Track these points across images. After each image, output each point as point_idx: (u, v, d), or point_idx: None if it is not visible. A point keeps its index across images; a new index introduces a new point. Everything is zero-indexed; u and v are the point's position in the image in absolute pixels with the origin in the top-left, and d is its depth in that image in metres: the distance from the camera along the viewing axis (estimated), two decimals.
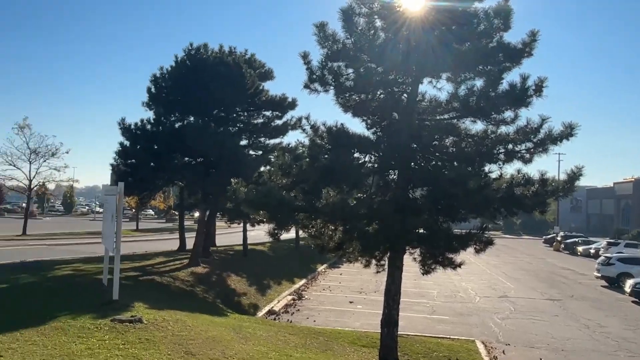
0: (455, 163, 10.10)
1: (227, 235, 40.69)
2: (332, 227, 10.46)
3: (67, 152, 38.54)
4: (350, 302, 19.05)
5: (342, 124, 10.70)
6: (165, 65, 22.57)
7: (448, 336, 14.06)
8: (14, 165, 37.01)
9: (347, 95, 10.72)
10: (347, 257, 10.62)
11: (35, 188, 39.87)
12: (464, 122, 10.41)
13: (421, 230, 10.03)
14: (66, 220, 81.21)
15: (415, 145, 10.47)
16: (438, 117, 10.75)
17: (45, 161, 37.81)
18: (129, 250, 23.19)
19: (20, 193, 48.70)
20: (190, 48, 22.22)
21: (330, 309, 17.95)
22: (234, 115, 23.43)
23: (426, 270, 10.42)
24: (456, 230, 10.49)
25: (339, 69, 10.47)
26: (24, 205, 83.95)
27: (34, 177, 38.19)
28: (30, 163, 37.36)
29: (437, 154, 10.55)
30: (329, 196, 9.51)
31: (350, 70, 10.55)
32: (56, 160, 38.20)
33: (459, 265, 10.31)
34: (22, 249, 25.80)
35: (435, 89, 10.64)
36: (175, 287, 16.33)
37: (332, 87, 10.60)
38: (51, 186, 52.50)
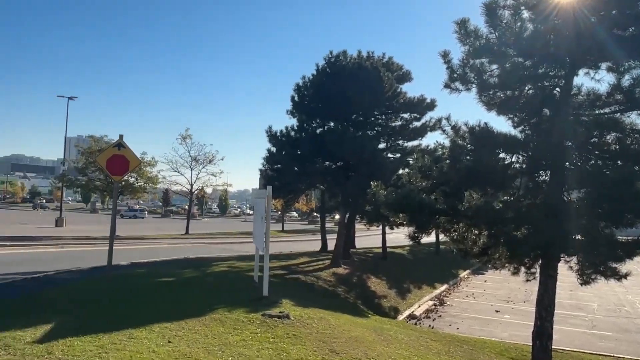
0: (619, 162, 9.04)
1: (366, 237, 41.09)
2: (476, 232, 10.01)
3: (222, 159, 42.29)
4: (497, 311, 18.04)
5: (485, 123, 10.21)
6: (307, 74, 23.60)
7: (612, 354, 12.60)
8: (178, 172, 41.54)
9: (490, 92, 10.20)
10: (492, 264, 10.08)
11: (195, 192, 44.22)
12: (628, 116, 9.29)
13: (578, 237, 9.15)
14: (221, 221, 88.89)
15: (569, 144, 9.58)
16: (597, 112, 9.73)
17: (203, 167, 41.86)
18: (276, 250, 24.60)
19: (183, 196, 54.38)
20: (330, 56, 22.94)
21: (475, 317, 17.17)
22: (372, 118, 23.64)
23: (585, 280, 9.46)
24: (620, 237, 9.38)
25: (481, 66, 10.02)
26: (186, 207, 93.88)
27: (194, 182, 42.45)
28: (191, 169, 41.64)
29: (596, 152, 9.54)
30: (472, 199, 9.13)
31: (494, 67, 10.03)
32: (213, 167, 42.22)
33: (625, 276, 9.19)
34: (186, 246, 28.80)
35: (593, 80, 9.65)
36: (319, 287, 16.92)
37: (474, 85, 10.17)
38: (208, 190, 57.66)
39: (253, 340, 7.46)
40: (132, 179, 36.01)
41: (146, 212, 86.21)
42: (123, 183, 33.03)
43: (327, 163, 22.75)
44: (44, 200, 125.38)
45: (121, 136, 12.65)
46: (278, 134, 22.81)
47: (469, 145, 10.13)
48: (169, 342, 6.87)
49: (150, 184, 41.49)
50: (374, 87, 21.41)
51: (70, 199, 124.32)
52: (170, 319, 8.23)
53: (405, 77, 24.83)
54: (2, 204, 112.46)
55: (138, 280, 12.48)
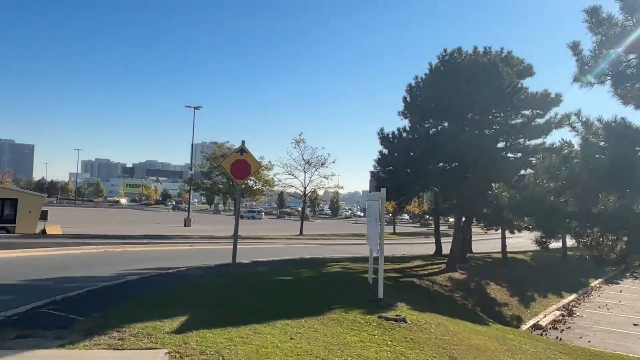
0: None
1: (483, 241, 39.32)
2: (613, 237, 9.11)
3: (333, 162, 43.02)
4: (635, 325, 16.29)
5: (622, 118, 9.27)
6: (420, 74, 23.17)
7: None
8: (292, 175, 42.96)
9: (628, 85, 9.25)
10: (632, 272, 9.12)
11: (308, 194, 45.44)
12: None
13: None
14: (333, 222, 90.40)
15: None
16: None
17: (316, 170, 42.89)
18: (388, 252, 24.46)
19: (297, 198, 56.15)
20: (444, 54, 22.33)
21: (609, 329, 15.66)
22: (490, 117, 22.55)
23: None
24: None
25: (617, 57, 9.11)
26: (299, 209, 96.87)
27: (307, 185, 43.64)
28: (304, 172, 42.86)
29: None
30: (608, 201, 8.33)
31: (632, 56, 9.09)
32: (325, 169, 42.98)
33: None
34: (300, 247, 29.70)
35: None
36: (434, 291, 16.52)
37: (608, 78, 9.29)
38: (320, 192, 59.05)
39: (371, 342, 7.48)
40: (251, 182, 37.96)
41: (263, 213, 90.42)
42: (243, 186, 34.94)
43: (441, 164, 22.15)
44: (174, 202, 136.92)
45: (243, 142, 13.40)
46: (390, 135, 22.67)
47: (603, 143, 9.26)
48: (291, 338, 7.13)
49: (267, 187, 43.46)
50: (491, 84, 20.44)
51: (196, 200, 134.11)
52: (290, 316, 8.54)
53: (526, 71, 23.35)
54: (139, 205, 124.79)
55: (259, 278, 13.12)
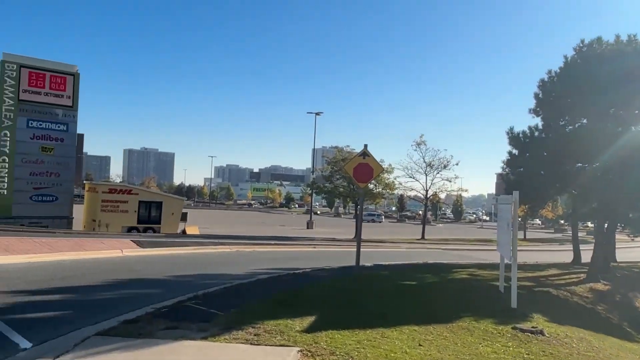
0: None
1: (629, 249, 35.45)
2: None
3: (456, 164, 41.55)
4: None
5: None
6: (554, 68, 21.47)
7: None
8: (413, 178, 42.26)
9: None
10: None
11: (430, 197, 44.41)
12: None
13: None
14: (455, 227, 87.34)
15: None
16: None
17: (438, 173, 41.78)
18: (519, 260, 22.92)
19: (417, 201, 55.18)
20: (581, 45, 20.45)
21: None
22: (637, 111, 20.20)
23: None
24: None
25: None
26: (420, 212, 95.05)
27: (429, 188, 42.67)
28: (426, 175, 41.96)
29: None
30: None
31: None
32: (447, 172, 41.68)
33: None
34: (422, 251, 29.12)
35: None
36: (573, 303, 15.17)
37: None
38: (442, 195, 57.36)
39: (506, 354, 7.07)
40: (371, 185, 38.02)
41: (383, 217, 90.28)
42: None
43: (579, 165, 20.31)
44: (297, 205, 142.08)
45: (365, 146, 13.48)
46: (520, 135, 21.28)
47: None
48: (420, 345, 6.99)
49: (387, 190, 43.25)
50: (638, 75, 18.28)
51: (317, 204, 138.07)
52: (417, 322, 8.37)
53: None
54: (265, 208, 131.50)
55: (383, 282, 13.07)
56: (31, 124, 30.16)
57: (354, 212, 56.80)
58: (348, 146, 44.10)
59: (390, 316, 8.71)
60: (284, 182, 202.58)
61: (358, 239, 13.95)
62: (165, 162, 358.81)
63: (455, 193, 54.02)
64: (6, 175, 29.37)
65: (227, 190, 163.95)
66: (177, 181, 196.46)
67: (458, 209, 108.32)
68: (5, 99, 29.32)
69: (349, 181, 40.33)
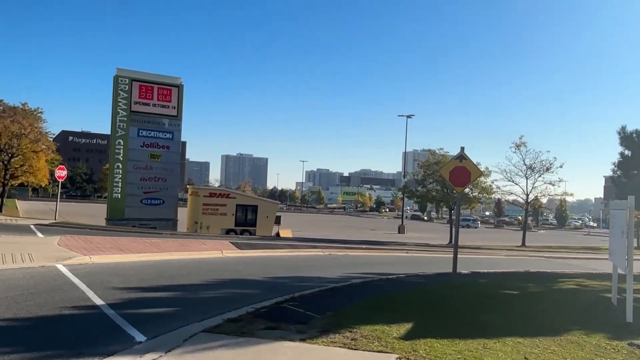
0: None
1: None
2: None
3: (560, 167, 39.00)
4: None
5: None
6: None
7: None
8: (512, 181, 40.22)
9: None
10: None
11: (530, 202, 42.06)
12: None
13: None
14: (559, 233, 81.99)
15: None
16: None
17: (540, 176, 39.45)
18: (635, 270, 21.09)
19: (517, 206, 52.42)
20: None
21: None
22: None
23: None
24: None
25: None
26: (519, 218, 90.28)
27: (530, 192, 40.40)
28: (526, 178, 39.78)
29: None
30: None
31: None
32: (550, 175, 39.23)
33: None
34: (523, 259, 27.62)
35: None
36: None
37: None
38: (544, 200, 54.09)
39: None
40: (467, 189, 36.78)
41: (479, 222, 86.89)
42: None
43: None
44: (387, 209, 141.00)
45: (462, 148, 13.08)
46: (634, 134, 19.61)
47: None
48: (525, 358, 6.63)
49: (484, 194, 41.60)
50: None
51: (408, 208, 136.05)
52: (521, 333, 7.96)
53: None
54: (355, 212, 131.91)
55: (482, 290, 12.58)
56: (141, 133, 32.75)
57: (447, 216, 55.26)
58: (441, 149, 43.01)
59: (492, 326, 8.35)
60: (374, 186, 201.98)
61: (455, 245, 13.55)
62: (259, 166, 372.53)
63: (558, 197, 50.64)
64: (120, 180, 32.10)
65: (317, 194, 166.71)
66: (270, 185, 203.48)
67: (562, 214, 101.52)
68: (119, 110, 32.11)
69: (442, 185, 39.33)
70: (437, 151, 43.16)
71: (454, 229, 18.74)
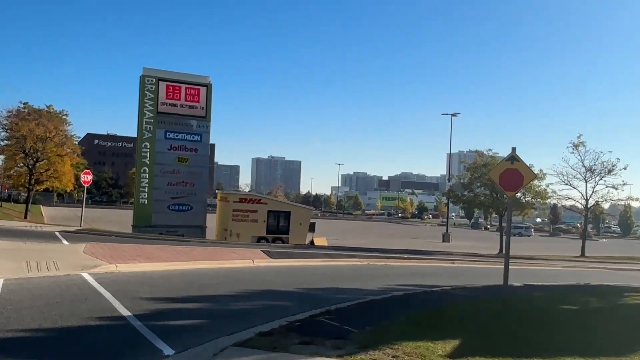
0: None
1: None
2: None
3: (624, 168, 37.65)
4: None
5: None
6: None
7: None
8: (570, 185, 39.05)
9: None
10: None
11: (591, 208, 40.78)
12: None
13: None
14: (623, 242, 79.23)
15: None
16: None
17: (601, 179, 38.20)
18: None
19: (575, 213, 50.96)
20: None
21: None
22: None
23: None
24: None
25: None
26: (578, 225, 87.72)
27: (590, 196, 39.17)
28: (585, 182, 38.57)
29: None
30: None
31: None
32: (613, 178, 37.92)
33: None
34: (583, 270, 26.85)
35: None
36: None
37: None
38: (606, 205, 52.44)
39: None
40: (520, 193, 35.98)
41: (532, 230, 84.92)
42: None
43: None
44: (430, 216, 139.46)
45: (513, 149, 12.79)
46: None
47: None
48: None
49: (538, 199, 40.61)
50: None
51: (453, 214, 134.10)
52: (581, 353, 7.71)
53: None
54: (395, 219, 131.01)
55: (536, 305, 12.26)
56: (168, 135, 33.45)
57: (497, 224, 54.22)
58: (490, 150, 42.33)
59: (548, 345, 8.12)
60: (416, 191, 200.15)
61: (506, 254, 13.23)
62: (291, 170, 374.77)
63: (622, 202, 48.86)
64: (147, 185, 32.86)
65: (354, 199, 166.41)
66: (303, 190, 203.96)
67: (626, 221, 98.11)
68: (145, 112, 32.88)
69: (491, 189, 38.65)
70: (485, 152, 42.49)
71: (504, 237, 18.34)
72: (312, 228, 36.57)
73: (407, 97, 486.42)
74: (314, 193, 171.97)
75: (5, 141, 39.97)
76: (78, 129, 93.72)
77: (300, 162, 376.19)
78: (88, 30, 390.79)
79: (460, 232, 75.13)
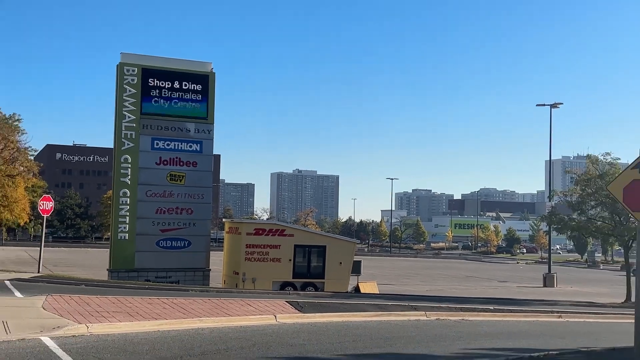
0: None
1: None
2: None
3: None
4: None
5: None
6: None
7: None
8: None
9: None
10: None
11: None
12: None
13: None
14: None
15: None
16: None
17: None
18: None
19: None
20: None
21: None
22: None
23: None
24: None
25: None
26: None
27: None
28: None
29: None
30: None
31: None
32: None
33: None
34: None
35: None
36: None
37: None
38: None
39: None
40: None
41: None
42: None
43: None
44: (524, 249, 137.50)
45: None
46: None
47: None
48: None
49: None
50: None
51: (558, 246, 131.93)
52: None
53: None
54: (474, 255, 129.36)
55: None
56: (157, 144, 33.50)
57: (621, 259, 52.94)
58: (608, 154, 41.40)
59: None
60: (502, 214, 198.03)
61: (637, 303, 12.86)
62: (326, 188, 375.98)
63: None
64: (128, 213, 32.88)
65: (415, 227, 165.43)
66: (343, 215, 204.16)
67: None
68: (125, 113, 32.96)
69: (612, 210, 37.77)
70: (601, 158, 41.60)
71: (634, 279, 17.73)
72: (357, 269, 36.26)
73: (481, 87, 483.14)
74: (357, 220, 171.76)
75: None
76: (35, 140, 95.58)
77: (337, 177, 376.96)
78: (51, 15, 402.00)
79: (570, 273, 73.77)
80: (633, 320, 12.79)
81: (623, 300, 36.34)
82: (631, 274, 36.93)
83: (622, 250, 44.27)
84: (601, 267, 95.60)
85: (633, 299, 20.91)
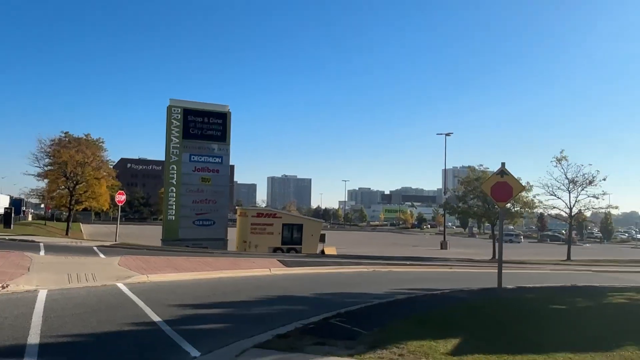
0: None
1: None
2: None
3: (603, 180, 37.32)
4: None
5: None
6: None
7: None
8: (554, 195, 38.72)
9: None
10: None
11: (574, 216, 40.32)
12: None
13: None
14: (604, 247, 78.20)
15: None
16: None
17: (583, 190, 37.86)
18: None
19: (560, 221, 50.42)
20: None
21: None
22: None
23: None
24: None
25: None
26: (563, 232, 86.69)
27: (573, 206, 38.79)
28: (569, 192, 38.25)
29: None
30: None
31: None
32: (593, 188, 37.60)
33: None
34: (569, 273, 26.40)
35: None
36: None
37: None
38: (588, 213, 51.80)
39: None
40: (509, 204, 35.69)
41: (521, 237, 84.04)
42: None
43: None
44: (429, 226, 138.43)
45: (503, 164, 12.74)
46: None
47: None
48: None
49: (526, 209, 40.26)
50: None
51: (449, 224, 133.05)
52: (571, 349, 7.55)
53: None
54: (397, 230, 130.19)
55: (528, 305, 12.05)
56: (193, 158, 33.62)
57: (489, 232, 53.73)
58: (481, 165, 42.04)
59: (541, 342, 7.95)
60: (415, 203, 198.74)
61: (499, 259, 13.11)
62: (303, 187, 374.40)
63: (603, 211, 48.31)
64: (174, 203, 32.90)
65: (360, 212, 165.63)
66: (314, 205, 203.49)
67: (607, 227, 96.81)
68: (172, 138, 33.11)
69: (483, 200, 38.37)
70: (477, 167, 42.22)
71: (497, 244, 18.14)
72: (322, 239, 36.36)
73: (406, 117, 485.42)
74: (323, 207, 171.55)
75: (49, 167, 40.24)
76: (113, 154, 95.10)
77: (310, 179, 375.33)
78: (122, 64, 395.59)
79: (457, 240, 74.46)
80: (496, 270, 13.01)
81: (490, 258, 36.90)
82: (495, 241, 37.51)
83: (490, 226, 44.93)
84: (477, 237, 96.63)
85: (497, 257, 21.30)
